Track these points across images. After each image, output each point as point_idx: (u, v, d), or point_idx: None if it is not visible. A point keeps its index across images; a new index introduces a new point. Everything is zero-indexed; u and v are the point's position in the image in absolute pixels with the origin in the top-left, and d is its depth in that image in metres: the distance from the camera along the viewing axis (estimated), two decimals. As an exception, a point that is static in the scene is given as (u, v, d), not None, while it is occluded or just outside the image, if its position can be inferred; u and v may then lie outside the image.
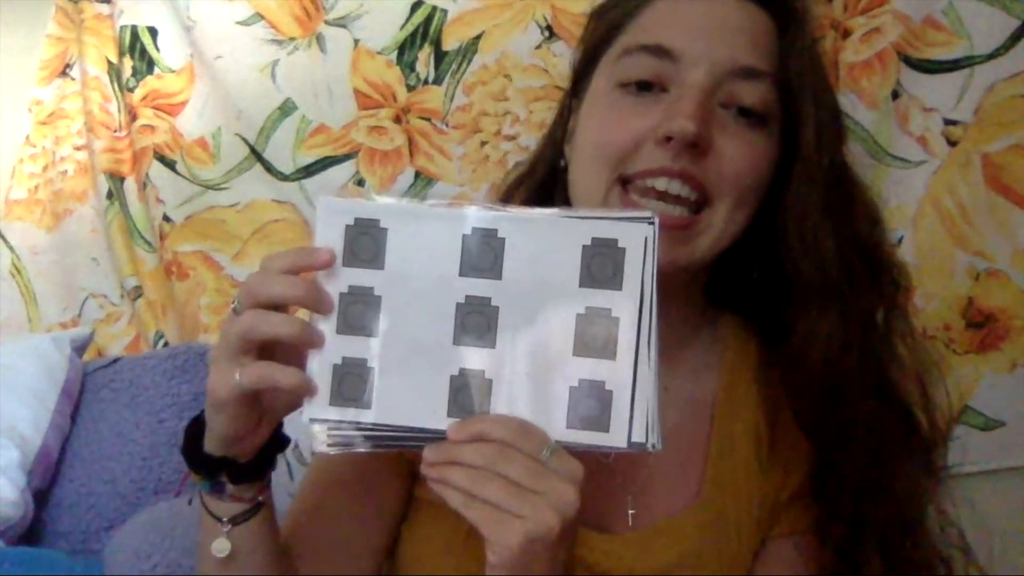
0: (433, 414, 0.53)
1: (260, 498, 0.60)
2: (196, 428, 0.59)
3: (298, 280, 0.53)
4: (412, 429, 0.53)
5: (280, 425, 0.60)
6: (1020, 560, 1.13)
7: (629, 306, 0.52)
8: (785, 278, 0.67)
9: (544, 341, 0.53)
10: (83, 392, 1.28)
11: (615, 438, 0.52)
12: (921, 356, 0.69)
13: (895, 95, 1.19)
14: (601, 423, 0.52)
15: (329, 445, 0.54)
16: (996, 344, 1.17)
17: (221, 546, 0.59)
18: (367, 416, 0.54)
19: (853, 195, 0.68)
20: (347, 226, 0.54)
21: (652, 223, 0.52)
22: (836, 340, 0.64)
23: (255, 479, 0.59)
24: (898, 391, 0.67)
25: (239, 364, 0.53)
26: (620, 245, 0.52)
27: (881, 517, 0.66)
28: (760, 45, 0.65)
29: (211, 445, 0.58)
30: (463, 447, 0.51)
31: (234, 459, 0.58)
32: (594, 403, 0.52)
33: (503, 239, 0.53)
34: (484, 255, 0.53)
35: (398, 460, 0.69)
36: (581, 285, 0.52)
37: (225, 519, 0.59)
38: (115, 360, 1.33)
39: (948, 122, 1.18)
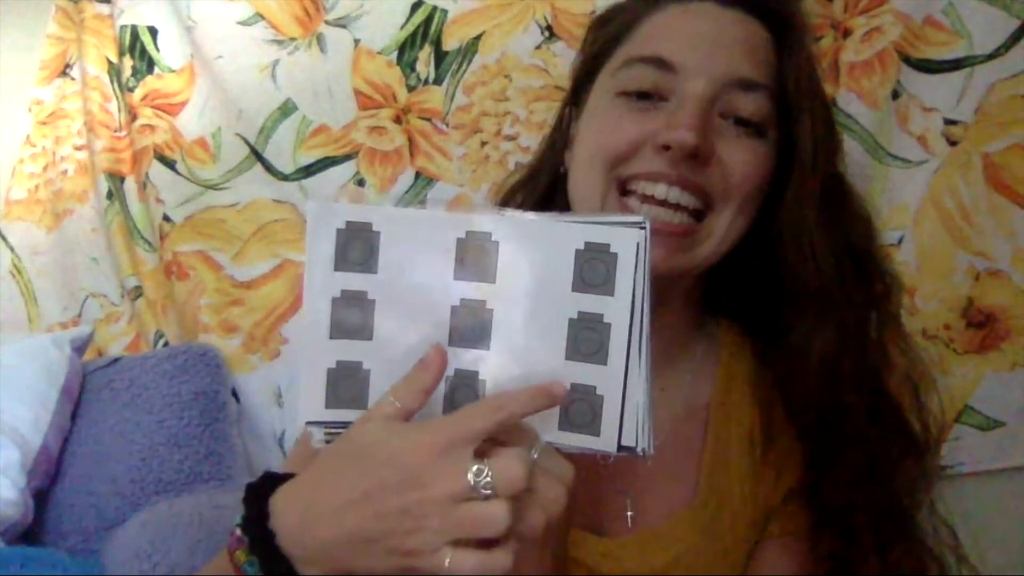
0: (428, 414, 0.53)
1: None
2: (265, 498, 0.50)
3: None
4: None
5: None
6: (1021, 559, 1.13)
7: (621, 311, 0.52)
8: (781, 285, 0.68)
9: (537, 344, 0.53)
10: (83, 392, 1.28)
11: (605, 442, 0.52)
12: (914, 361, 0.70)
13: (895, 95, 1.19)
14: (592, 427, 0.52)
15: (327, 443, 0.54)
16: (996, 344, 1.17)
17: None
18: None
19: (847, 204, 0.69)
20: (338, 230, 0.53)
21: (643, 227, 0.52)
22: (831, 344, 0.65)
23: None
24: (891, 395, 0.68)
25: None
26: (612, 250, 0.52)
27: (874, 519, 0.66)
28: (758, 57, 0.66)
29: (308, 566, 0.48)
30: None
31: None
32: (585, 407, 0.52)
33: (497, 243, 0.53)
34: (479, 259, 0.53)
35: None
36: (574, 290, 0.52)
37: None
38: (115, 360, 1.33)
39: (948, 122, 1.18)
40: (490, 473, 0.45)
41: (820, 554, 0.68)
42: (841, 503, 0.66)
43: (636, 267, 0.52)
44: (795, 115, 0.66)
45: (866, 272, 0.68)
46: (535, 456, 0.50)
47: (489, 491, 0.45)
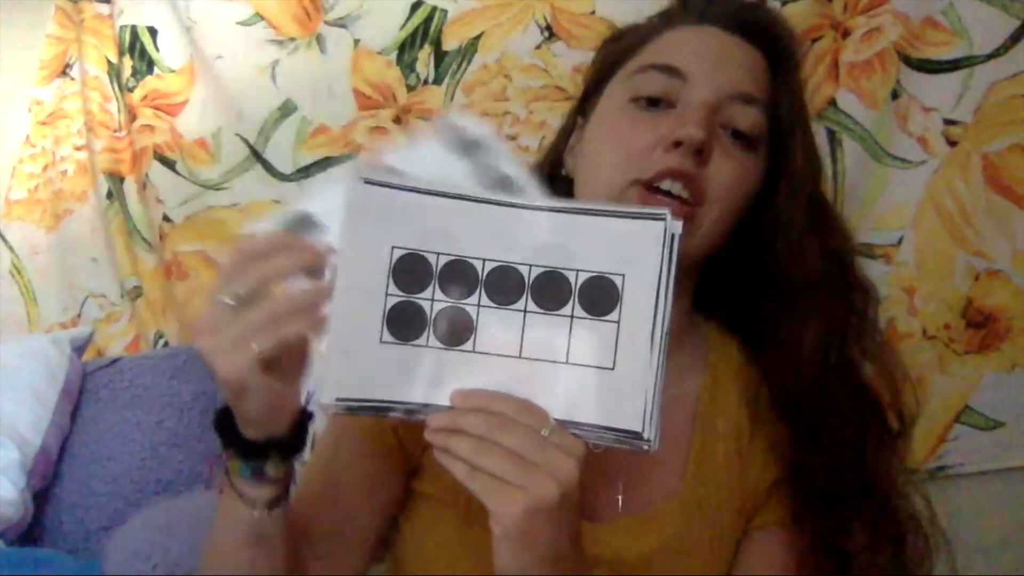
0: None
1: (292, 479, 0.61)
2: (226, 418, 0.59)
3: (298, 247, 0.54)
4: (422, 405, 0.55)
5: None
6: (1021, 559, 1.13)
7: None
8: (770, 285, 0.74)
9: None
10: (83, 392, 1.28)
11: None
12: (889, 355, 0.75)
13: (895, 95, 1.20)
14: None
15: (338, 400, 0.55)
16: (996, 344, 1.17)
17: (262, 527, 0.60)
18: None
19: (829, 217, 0.76)
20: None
21: (664, 219, 0.54)
22: (821, 332, 0.71)
23: (297, 452, 0.60)
24: (869, 386, 0.73)
25: (248, 338, 0.52)
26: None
27: (856, 494, 0.70)
28: (757, 78, 0.73)
29: (249, 431, 0.58)
30: (465, 415, 0.53)
31: (276, 438, 0.58)
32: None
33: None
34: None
35: (398, 457, 0.72)
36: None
37: (261, 503, 0.59)
38: (115, 360, 1.33)
39: (948, 122, 1.18)
40: None
41: (805, 534, 0.71)
42: (824, 481, 0.70)
43: (662, 256, 0.54)
44: (789, 130, 0.73)
45: (845, 274, 0.74)
46: (546, 434, 0.51)
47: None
